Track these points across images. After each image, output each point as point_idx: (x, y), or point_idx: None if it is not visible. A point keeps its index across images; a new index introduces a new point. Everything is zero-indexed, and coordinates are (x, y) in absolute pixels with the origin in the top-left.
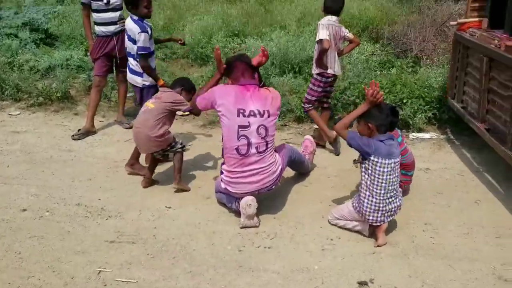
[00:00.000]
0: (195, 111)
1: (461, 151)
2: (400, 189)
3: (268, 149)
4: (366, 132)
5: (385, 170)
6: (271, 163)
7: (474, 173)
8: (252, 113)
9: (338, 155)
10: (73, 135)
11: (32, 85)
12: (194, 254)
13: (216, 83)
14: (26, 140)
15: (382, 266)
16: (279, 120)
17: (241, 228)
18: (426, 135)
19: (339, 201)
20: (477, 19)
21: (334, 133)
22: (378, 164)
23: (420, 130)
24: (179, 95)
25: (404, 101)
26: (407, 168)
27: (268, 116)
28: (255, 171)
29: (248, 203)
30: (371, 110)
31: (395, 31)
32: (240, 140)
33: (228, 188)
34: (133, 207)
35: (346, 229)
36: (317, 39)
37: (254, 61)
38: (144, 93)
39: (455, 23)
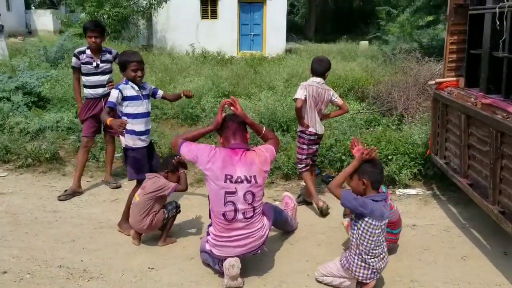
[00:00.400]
0: (180, 189)
1: (447, 206)
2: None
3: (256, 215)
4: (360, 188)
5: (377, 231)
6: (258, 228)
7: (460, 229)
8: (239, 179)
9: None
10: (59, 196)
11: (22, 146)
12: None
13: (203, 134)
14: (11, 201)
15: None
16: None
17: None
18: (413, 191)
19: (325, 259)
20: (454, 78)
21: (321, 203)
22: (372, 226)
23: (406, 186)
24: (161, 179)
25: (390, 157)
26: (392, 226)
27: (256, 182)
28: (242, 236)
29: (231, 264)
30: (364, 165)
31: (380, 90)
32: (227, 206)
33: (213, 250)
34: (115, 268)
35: (333, 286)
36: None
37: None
38: (128, 153)
39: (433, 82)
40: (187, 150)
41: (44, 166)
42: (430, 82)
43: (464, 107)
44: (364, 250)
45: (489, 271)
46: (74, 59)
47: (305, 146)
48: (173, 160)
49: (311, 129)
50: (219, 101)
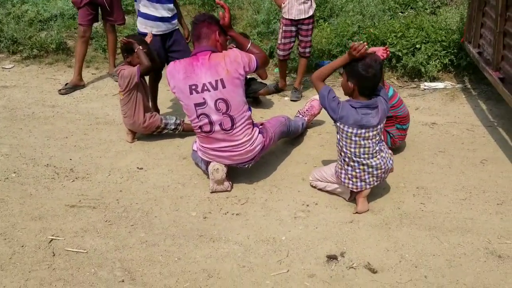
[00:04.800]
0: (144, 67)
1: (476, 102)
2: (389, 151)
3: (237, 126)
4: (348, 90)
5: (354, 139)
6: (244, 141)
7: (486, 128)
8: (205, 88)
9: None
10: (60, 90)
11: (28, 36)
12: (154, 221)
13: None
14: (12, 95)
15: (358, 237)
16: None
17: (211, 192)
18: (440, 84)
19: (325, 162)
20: None
21: (281, 85)
22: (345, 132)
23: (433, 79)
24: (126, 70)
25: (418, 46)
26: (403, 121)
27: (224, 87)
28: (224, 149)
29: (216, 168)
30: (356, 67)
31: None
32: (201, 119)
33: (199, 153)
34: (103, 168)
35: (326, 191)
36: None
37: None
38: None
39: None
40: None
41: (50, 57)
42: None
43: None
44: (347, 156)
45: (509, 177)
46: None
47: (281, 30)
48: (121, 43)
49: (283, 11)
50: None
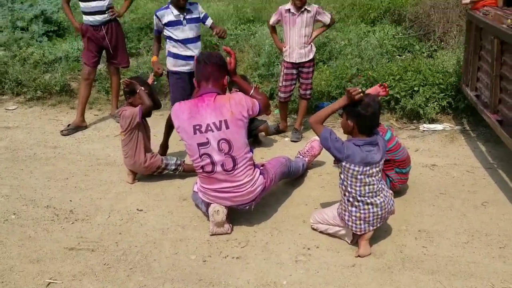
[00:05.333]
0: (146, 107)
1: (475, 144)
2: (390, 191)
3: (238, 167)
4: (348, 129)
5: (360, 177)
6: (245, 182)
7: (486, 170)
8: (209, 128)
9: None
10: (62, 131)
11: (32, 78)
12: (153, 264)
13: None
14: (15, 136)
15: (360, 281)
16: None
17: (211, 235)
18: (439, 126)
19: (326, 204)
20: None
21: (282, 126)
22: (351, 171)
23: (432, 120)
24: (127, 110)
25: (416, 89)
26: (402, 165)
27: (227, 128)
28: (225, 190)
29: (216, 210)
30: (357, 105)
31: (418, 12)
32: (203, 159)
33: (200, 194)
34: (103, 210)
35: (327, 234)
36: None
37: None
38: (169, 77)
39: (467, 1)
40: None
41: (54, 98)
42: (464, 1)
43: (497, 30)
44: (352, 195)
45: (511, 220)
46: None
47: (282, 73)
48: (124, 85)
49: (284, 55)
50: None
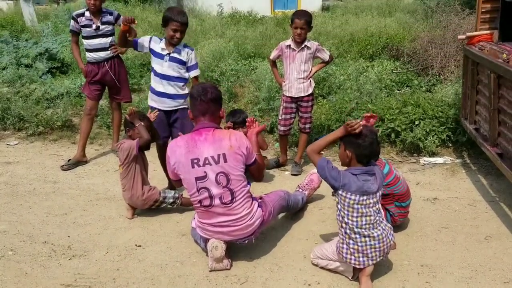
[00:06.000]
0: (143, 141)
1: (476, 177)
2: (389, 225)
3: (237, 200)
4: (345, 159)
5: (356, 206)
6: (243, 215)
7: (488, 203)
8: (207, 161)
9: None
10: (62, 166)
11: (34, 114)
12: None
13: None
14: (15, 171)
15: None
16: None
17: (210, 271)
18: (439, 160)
19: (326, 239)
20: (488, 31)
21: (282, 160)
22: (348, 200)
23: (432, 154)
24: (125, 143)
25: (416, 122)
26: (401, 198)
27: (225, 161)
28: (224, 224)
29: (215, 245)
30: (352, 137)
31: (415, 47)
32: (201, 193)
33: (198, 230)
34: (101, 246)
35: (328, 270)
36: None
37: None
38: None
39: (463, 37)
40: (170, 173)
41: (55, 134)
42: (460, 37)
43: (494, 64)
44: (349, 227)
45: None
46: (72, 22)
47: (281, 107)
48: (126, 117)
49: (284, 89)
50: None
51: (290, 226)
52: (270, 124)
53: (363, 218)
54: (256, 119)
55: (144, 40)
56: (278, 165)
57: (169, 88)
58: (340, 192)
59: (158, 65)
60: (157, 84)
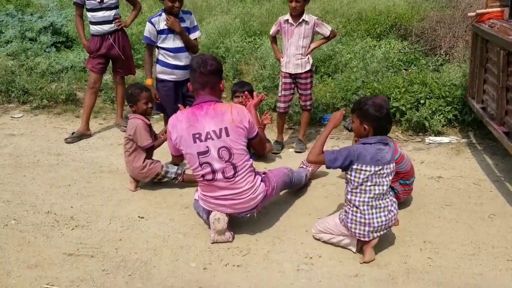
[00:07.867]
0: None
1: (482, 156)
2: (394, 199)
3: (239, 173)
4: (361, 132)
5: (371, 177)
6: (246, 189)
7: (493, 182)
8: (209, 136)
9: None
10: (66, 138)
11: (38, 87)
12: (153, 271)
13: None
14: (19, 143)
15: None
16: None
17: (212, 243)
18: (445, 139)
19: (329, 213)
20: (498, 9)
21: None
22: (363, 172)
23: (438, 133)
24: (131, 126)
25: (421, 101)
26: (406, 176)
27: (227, 135)
28: (227, 197)
29: (217, 217)
30: (370, 108)
31: (424, 27)
32: (204, 168)
33: (200, 202)
34: (104, 216)
35: (330, 243)
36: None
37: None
38: (157, 84)
39: (473, 14)
40: (170, 147)
41: (59, 107)
42: (470, 14)
43: (504, 41)
44: (359, 200)
45: None
46: None
47: (280, 83)
48: (129, 91)
49: (281, 65)
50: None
51: (293, 201)
52: (274, 102)
53: (376, 188)
54: (258, 93)
55: (149, 31)
56: (283, 147)
57: (183, 60)
58: (354, 166)
59: (170, 41)
60: (170, 58)
